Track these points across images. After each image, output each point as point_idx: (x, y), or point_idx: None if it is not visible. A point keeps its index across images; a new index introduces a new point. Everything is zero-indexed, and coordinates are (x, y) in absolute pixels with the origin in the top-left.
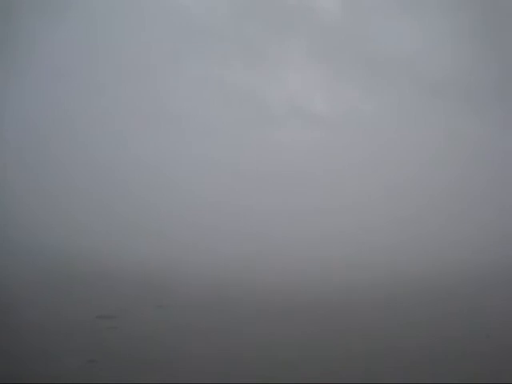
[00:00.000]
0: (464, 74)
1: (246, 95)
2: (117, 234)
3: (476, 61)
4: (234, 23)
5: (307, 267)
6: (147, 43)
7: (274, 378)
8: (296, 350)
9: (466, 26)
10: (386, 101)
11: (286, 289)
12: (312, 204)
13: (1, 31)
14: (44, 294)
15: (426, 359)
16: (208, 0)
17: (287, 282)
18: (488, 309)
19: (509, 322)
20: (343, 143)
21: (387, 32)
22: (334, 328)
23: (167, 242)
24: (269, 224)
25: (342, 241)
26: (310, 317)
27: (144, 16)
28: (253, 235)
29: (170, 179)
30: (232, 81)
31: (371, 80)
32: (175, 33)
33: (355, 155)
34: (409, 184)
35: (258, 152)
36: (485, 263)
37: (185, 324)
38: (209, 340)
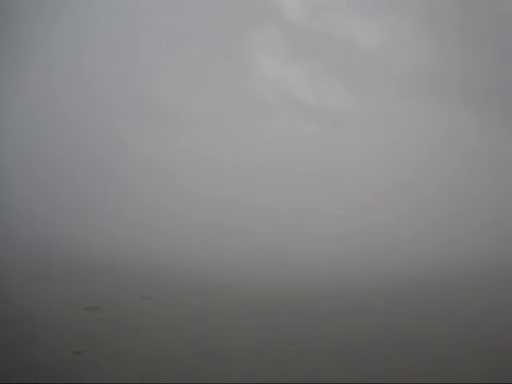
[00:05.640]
0: (453, 71)
1: (234, 89)
2: (105, 225)
3: (468, 59)
4: (214, 19)
5: (299, 262)
6: (144, 44)
7: (267, 374)
8: (288, 345)
9: (453, 23)
10: (371, 97)
11: (276, 283)
12: (305, 198)
13: (0, 33)
14: (31, 284)
15: (429, 355)
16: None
17: (278, 276)
18: (489, 308)
19: (508, 321)
20: (334, 138)
21: (366, 29)
22: (334, 323)
23: (155, 233)
24: (258, 218)
25: (338, 236)
26: (300, 312)
27: (140, 18)
28: (242, 229)
29: (160, 172)
30: (217, 75)
31: (354, 76)
32: (167, 33)
33: (348, 150)
34: (404, 180)
35: (249, 145)
36: (485, 262)
37: (173, 316)
38: (198, 333)
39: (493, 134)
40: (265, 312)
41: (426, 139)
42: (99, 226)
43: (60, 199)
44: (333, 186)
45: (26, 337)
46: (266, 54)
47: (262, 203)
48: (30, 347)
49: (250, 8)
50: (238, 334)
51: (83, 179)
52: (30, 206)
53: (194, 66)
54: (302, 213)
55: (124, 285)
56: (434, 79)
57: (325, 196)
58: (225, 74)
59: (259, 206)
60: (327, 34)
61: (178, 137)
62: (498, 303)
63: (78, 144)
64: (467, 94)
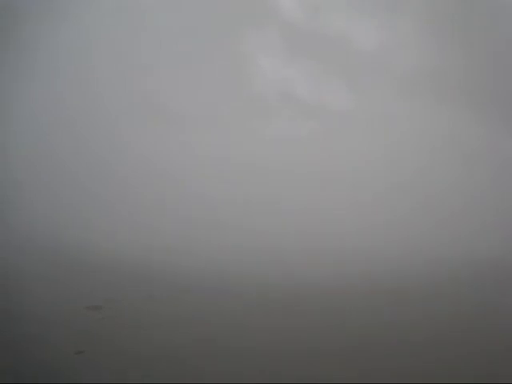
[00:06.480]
0: (453, 71)
1: (234, 89)
2: (106, 225)
3: (468, 59)
4: (214, 19)
5: (299, 261)
6: (144, 45)
7: (267, 373)
8: (288, 345)
9: (453, 23)
10: (371, 97)
11: (276, 283)
12: (305, 198)
13: (5, 35)
14: (33, 283)
15: (429, 354)
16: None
17: (278, 275)
18: (489, 308)
19: (508, 321)
20: (334, 138)
21: (366, 29)
22: (333, 323)
23: (155, 232)
24: (258, 218)
25: (338, 236)
26: (300, 311)
27: (140, 18)
28: (242, 229)
29: (160, 173)
30: (217, 75)
31: (354, 76)
32: (171, 34)
33: (349, 150)
34: (404, 180)
35: (249, 145)
36: (485, 262)
37: (173, 315)
38: (198, 332)
39: (493, 135)
40: (265, 312)
41: (425, 139)
42: (100, 226)
43: (62, 200)
44: (333, 186)
45: (27, 335)
46: (266, 54)
47: (262, 203)
48: (32, 346)
49: (251, 8)
50: (237, 333)
51: (85, 180)
52: (33, 206)
53: (194, 66)
54: (302, 212)
55: (125, 284)
56: (434, 79)
57: (325, 196)
58: (225, 74)
59: (259, 205)
60: (327, 34)
61: (178, 137)
62: (498, 303)
63: (81, 146)
64: (467, 94)
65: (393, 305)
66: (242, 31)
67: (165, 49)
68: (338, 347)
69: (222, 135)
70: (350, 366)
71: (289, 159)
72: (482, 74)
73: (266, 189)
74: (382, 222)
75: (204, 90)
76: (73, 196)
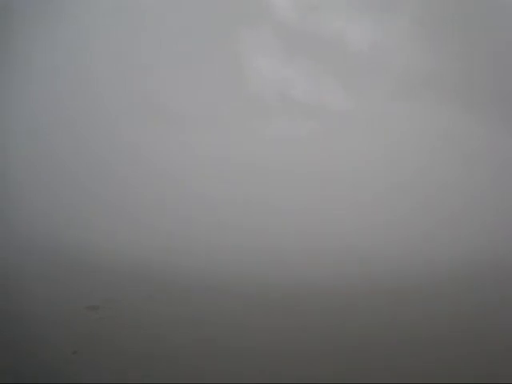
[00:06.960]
0: (453, 71)
1: (233, 89)
2: (105, 224)
3: (468, 58)
4: (214, 19)
5: (299, 261)
6: (144, 44)
7: (267, 373)
8: (288, 345)
9: (453, 23)
10: (370, 97)
11: (276, 283)
12: (305, 198)
13: (4, 35)
14: (32, 282)
15: (429, 354)
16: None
17: (278, 275)
18: (489, 308)
19: (508, 321)
20: (334, 138)
21: (365, 28)
22: (333, 323)
23: (155, 232)
24: (258, 218)
25: (338, 236)
26: (300, 311)
27: (140, 18)
28: (242, 229)
29: (160, 172)
30: (216, 75)
31: (354, 75)
32: (170, 34)
33: (349, 150)
34: (404, 180)
35: (249, 145)
36: (485, 262)
37: (173, 315)
38: (198, 332)
39: (493, 135)
40: (265, 312)
41: (425, 139)
42: (100, 226)
43: (62, 200)
44: (333, 186)
45: (27, 335)
46: (265, 54)
47: (262, 203)
48: (32, 346)
49: (250, 8)
50: (237, 333)
51: (85, 180)
52: (33, 206)
53: (193, 66)
54: (302, 212)
55: (125, 284)
56: (434, 79)
57: (325, 196)
58: (225, 74)
59: (259, 205)
60: (326, 33)
61: (178, 137)
62: (498, 303)
63: (81, 146)
64: (467, 94)
65: (393, 305)
66: (241, 31)
67: (164, 49)
68: (337, 347)
69: (222, 135)
70: (350, 366)
71: (289, 159)
72: (482, 74)
73: (265, 189)
74: (382, 222)
75: (204, 89)
76: (73, 196)
